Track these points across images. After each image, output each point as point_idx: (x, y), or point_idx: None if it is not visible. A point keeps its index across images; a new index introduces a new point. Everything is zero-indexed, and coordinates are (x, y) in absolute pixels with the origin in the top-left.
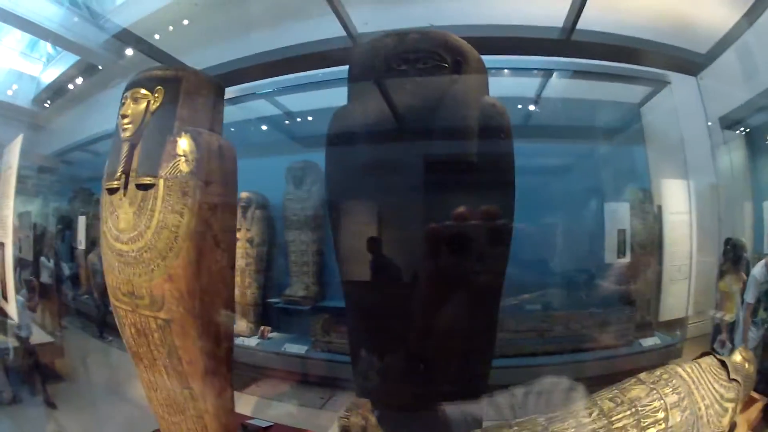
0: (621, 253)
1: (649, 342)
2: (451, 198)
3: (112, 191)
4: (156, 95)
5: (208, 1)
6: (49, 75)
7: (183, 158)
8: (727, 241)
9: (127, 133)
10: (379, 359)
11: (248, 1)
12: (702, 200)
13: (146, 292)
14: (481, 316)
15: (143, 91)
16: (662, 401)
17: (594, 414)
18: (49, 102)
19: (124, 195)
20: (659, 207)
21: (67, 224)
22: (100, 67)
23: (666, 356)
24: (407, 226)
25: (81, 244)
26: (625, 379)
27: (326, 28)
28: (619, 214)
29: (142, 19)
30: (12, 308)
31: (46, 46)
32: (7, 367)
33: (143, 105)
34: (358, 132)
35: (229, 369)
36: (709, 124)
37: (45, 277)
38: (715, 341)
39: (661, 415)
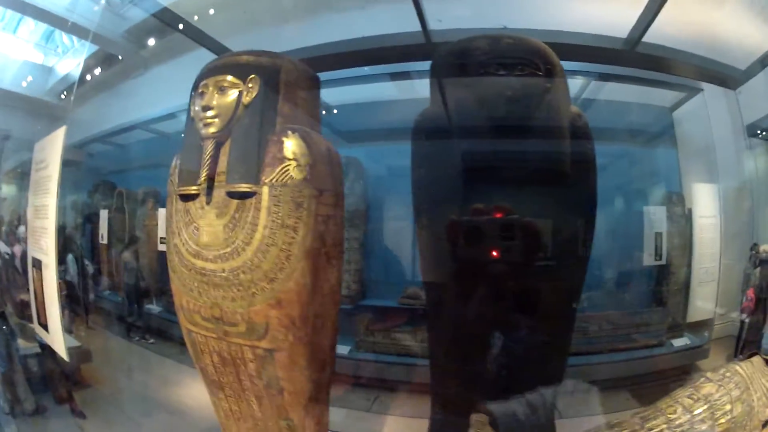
0: (657, 255)
1: (679, 342)
2: (545, 208)
3: (187, 197)
4: (250, 85)
5: None
6: (66, 66)
7: (294, 162)
8: (753, 246)
9: (213, 129)
10: (463, 365)
11: None
12: (730, 204)
13: (242, 318)
14: (562, 321)
15: (231, 78)
16: (729, 395)
17: (678, 411)
18: (65, 93)
19: (208, 203)
20: (689, 210)
21: (87, 218)
22: (120, 57)
23: (694, 356)
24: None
25: (104, 238)
26: (667, 377)
27: (382, 22)
28: (656, 218)
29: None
30: (57, 341)
31: (62, 37)
32: (30, 375)
33: (233, 96)
34: (452, 135)
35: (328, 392)
36: (738, 130)
37: (69, 276)
38: (740, 341)
39: (728, 407)
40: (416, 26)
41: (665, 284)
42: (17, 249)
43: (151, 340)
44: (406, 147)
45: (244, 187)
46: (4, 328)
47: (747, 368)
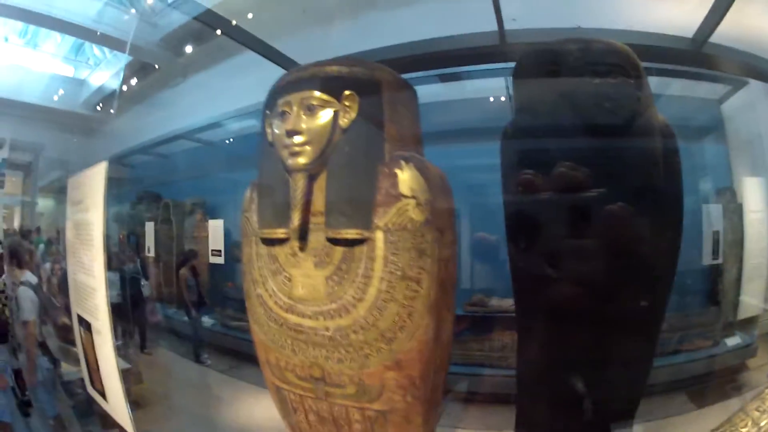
0: (715, 254)
1: (732, 342)
2: (637, 224)
3: (273, 241)
4: (346, 104)
5: None
6: (99, 78)
7: (412, 201)
8: None
9: (303, 159)
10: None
11: None
12: None
13: (351, 380)
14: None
15: (320, 95)
16: None
17: (748, 424)
18: (100, 105)
19: (302, 250)
20: (740, 205)
21: (131, 230)
22: (156, 66)
23: (745, 355)
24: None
25: (150, 251)
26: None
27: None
28: (714, 216)
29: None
30: (120, 413)
31: (93, 49)
32: (76, 401)
33: (326, 117)
34: (548, 146)
35: None
36: None
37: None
38: None
39: None
40: (482, 26)
41: (720, 283)
42: (57, 267)
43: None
44: (466, 148)
45: (350, 233)
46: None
47: None
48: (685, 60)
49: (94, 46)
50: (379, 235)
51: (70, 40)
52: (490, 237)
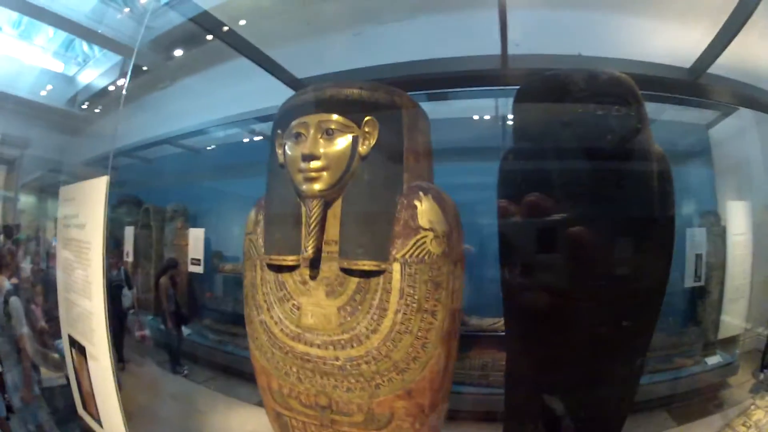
0: (697, 277)
1: (713, 360)
2: (634, 254)
3: (281, 268)
4: (366, 129)
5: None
6: (87, 76)
7: (431, 233)
8: None
9: (320, 186)
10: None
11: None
12: (759, 220)
13: (359, 408)
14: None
15: (340, 118)
16: None
17: None
18: (87, 104)
19: (313, 278)
20: (724, 228)
21: (112, 235)
22: (144, 68)
23: (726, 373)
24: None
25: (129, 256)
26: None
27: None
28: (697, 239)
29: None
30: None
31: (82, 46)
32: (56, 409)
33: (344, 143)
34: (546, 172)
35: None
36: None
37: None
38: (766, 355)
39: None
40: (485, 49)
41: (701, 304)
42: (36, 269)
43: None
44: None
45: (369, 265)
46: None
47: None
48: (681, 89)
49: (84, 43)
50: (396, 267)
51: (61, 35)
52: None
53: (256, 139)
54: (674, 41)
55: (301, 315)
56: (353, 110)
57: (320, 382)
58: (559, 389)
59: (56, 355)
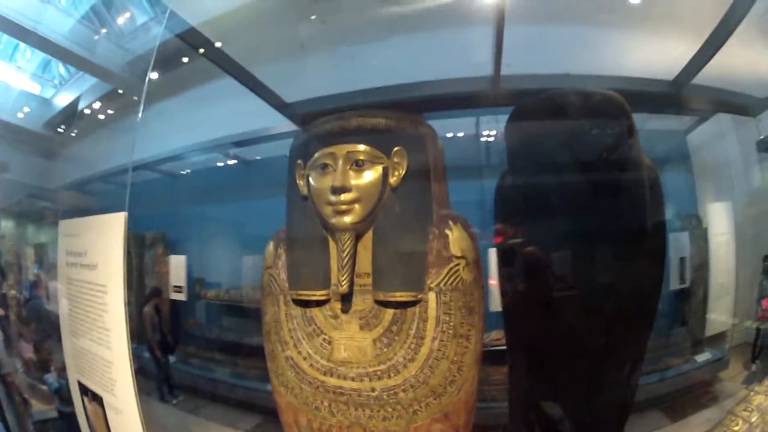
0: (682, 279)
1: (702, 357)
2: (633, 263)
3: (308, 303)
4: (395, 160)
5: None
6: (64, 98)
7: (463, 261)
8: (765, 258)
9: (351, 218)
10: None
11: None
12: (741, 219)
13: None
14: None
15: (368, 149)
16: None
17: (740, 423)
18: (63, 127)
19: (345, 312)
20: (705, 230)
21: None
22: (120, 92)
23: (716, 368)
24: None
25: None
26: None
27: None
28: (680, 243)
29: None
30: None
31: (59, 68)
32: None
33: (376, 174)
34: (546, 191)
35: None
36: (750, 148)
37: None
38: (755, 348)
39: None
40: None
41: (687, 305)
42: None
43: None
44: None
45: (406, 296)
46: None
47: None
48: (665, 100)
49: (60, 64)
50: (432, 296)
51: (39, 55)
52: None
53: (231, 163)
54: (658, 55)
55: (333, 349)
56: (382, 140)
57: (354, 414)
58: (561, 398)
59: (45, 387)
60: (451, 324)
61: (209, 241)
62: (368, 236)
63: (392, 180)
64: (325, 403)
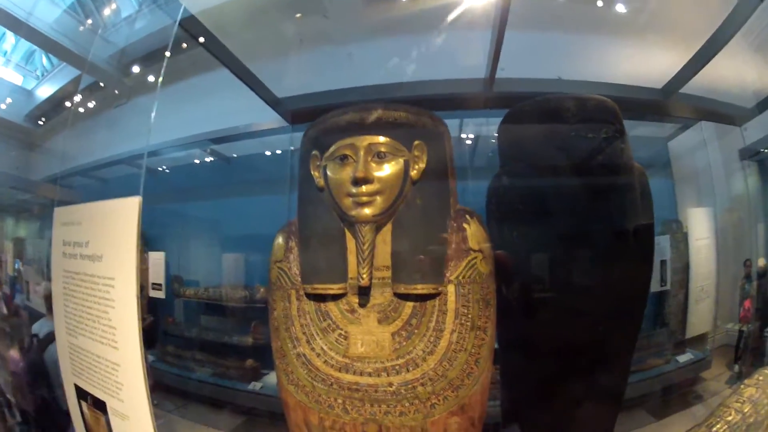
0: (663, 282)
1: (684, 358)
2: (620, 265)
3: (323, 297)
4: (416, 153)
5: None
6: (45, 90)
7: (480, 255)
8: (746, 262)
9: (372, 210)
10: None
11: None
12: (723, 225)
13: (412, 430)
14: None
15: (391, 141)
16: (765, 392)
17: (732, 413)
18: (43, 120)
19: (362, 305)
20: (686, 234)
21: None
22: (101, 84)
23: (699, 368)
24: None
25: None
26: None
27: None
28: (661, 246)
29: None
30: None
31: (42, 59)
32: None
33: (398, 166)
34: (541, 191)
35: None
36: (732, 156)
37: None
38: (738, 350)
39: (766, 401)
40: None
41: (667, 306)
42: None
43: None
44: None
45: (428, 289)
46: None
47: None
48: (651, 109)
49: (43, 56)
50: (451, 289)
51: (22, 46)
52: None
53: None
54: (648, 64)
55: (349, 344)
56: (402, 134)
57: (370, 410)
58: (554, 396)
59: None
60: (469, 316)
61: (186, 239)
62: (386, 229)
63: (413, 173)
64: (339, 401)
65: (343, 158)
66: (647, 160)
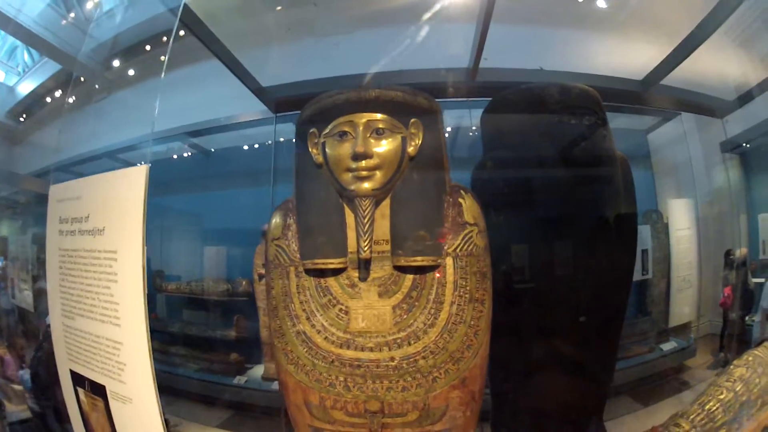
0: (644, 270)
1: (668, 346)
2: (603, 249)
3: (323, 272)
4: (413, 131)
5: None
6: (27, 86)
7: (476, 228)
8: (728, 252)
9: (372, 185)
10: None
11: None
12: (704, 216)
13: (414, 406)
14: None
15: (388, 118)
16: (756, 372)
17: (724, 392)
18: (25, 116)
19: (363, 279)
20: (666, 225)
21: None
22: (82, 79)
23: (683, 356)
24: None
25: None
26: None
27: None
28: (642, 236)
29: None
30: None
31: (24, 55)
32: None
33: (396, 142)
34: (526, 179)
35: None
36: (713, 148)
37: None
38: (723, 337)
39: (757, 380)
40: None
41: (650, 295)
42: None
43: None
44: None
45: (427, 261)
46: None
47: (762, 351)
48: (632, 100)
49: (25, 51)
50: (449, 261)
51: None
52: None
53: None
54: (630, 56)
55: (350, 319)
56: (400, 111)
57: (372, 387)
58: (542, 385)
59: (19, 387)
60: (467, 288)
61: (167, 233)
62: (385, 204)
63: (410, 149)
64: (341, 378)
65: (342, 134)
66: (626, 152)
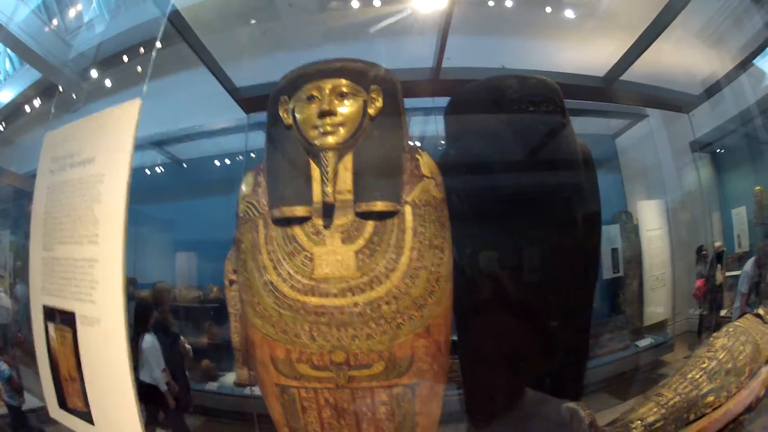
0: (615, 269)
1: (643, 343)
2: (570, 237)
3: (290, 221)
4: (373, 96)
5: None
6: (5, 95)
7: (433, 181)
8: (700, 249)
9: (335, 139)
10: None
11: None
12: (675, 215)
13: (380, 356)
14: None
15: (351, 83)
16: (739, 340)
17: (706, 361)
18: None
19: (327, 227)
20: (637, 226)
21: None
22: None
23: (660, 352)
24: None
25: None
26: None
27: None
28: (611, 235)
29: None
30: None
31: (5, 63)
32: None
33: (357, 104)
34: (484, 170)
35: None
36: (683, 148)
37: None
38: (701, 334)
39: (741, 348)
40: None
41: (622, 293)
42: None
43: None
44: None
45: (387, 206)
46: None
47: (743, 322)
48: (595, 97)
49: (7, 59)
50: (408, 209)
51: None
52: None
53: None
54: (590, 54)
55: (314, 266)
56: (361, 79)
57: (336, 336)
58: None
59: None
60: (426, 235)
61: (139, 240)
62: (348, 158)
63: (371, 110)
64: (306, 328)
65: (311, 98)
66: (594, 156)
